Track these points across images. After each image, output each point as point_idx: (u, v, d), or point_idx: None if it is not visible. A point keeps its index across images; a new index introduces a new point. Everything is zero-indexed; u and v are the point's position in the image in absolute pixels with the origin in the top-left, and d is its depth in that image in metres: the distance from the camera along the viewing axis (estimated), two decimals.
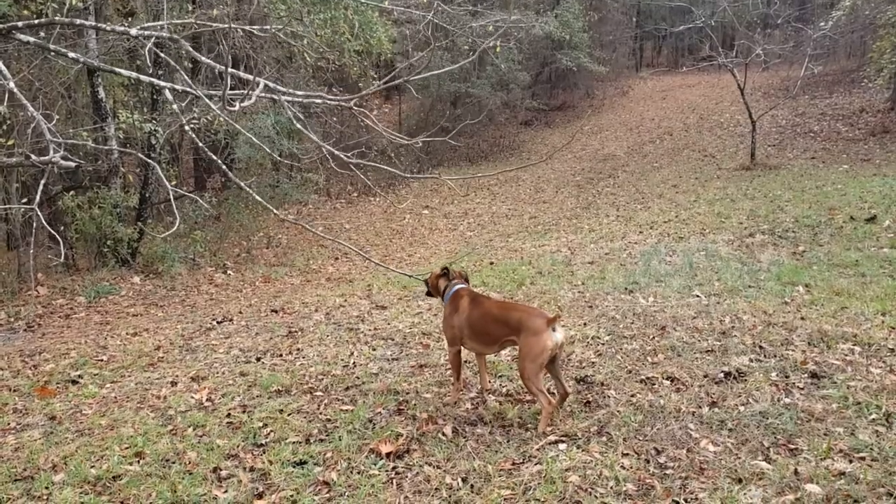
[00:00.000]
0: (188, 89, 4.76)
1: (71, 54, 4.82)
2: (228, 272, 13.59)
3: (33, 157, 4.08)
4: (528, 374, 4.43)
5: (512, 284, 8.75)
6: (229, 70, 4.95)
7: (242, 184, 4.97)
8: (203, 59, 4.87)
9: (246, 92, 4.48)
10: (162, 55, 5.42)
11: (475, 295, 4.97)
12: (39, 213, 3.97)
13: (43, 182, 4.18)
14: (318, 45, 14.60)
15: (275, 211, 5.49)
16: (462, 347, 5.03)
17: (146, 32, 5.23)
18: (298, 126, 4.43)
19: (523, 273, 9.53)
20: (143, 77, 4.98)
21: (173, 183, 12.97)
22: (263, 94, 4.50)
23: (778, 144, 19.85)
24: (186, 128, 5.59)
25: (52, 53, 10.13)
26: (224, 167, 5.37)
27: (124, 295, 11.30)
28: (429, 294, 5.42)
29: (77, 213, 12.12)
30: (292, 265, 14.40)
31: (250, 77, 4.21)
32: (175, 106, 4.55)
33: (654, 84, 32.22)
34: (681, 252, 9.57)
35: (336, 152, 4.97)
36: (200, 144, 5.28)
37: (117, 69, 5.62)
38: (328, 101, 5.15)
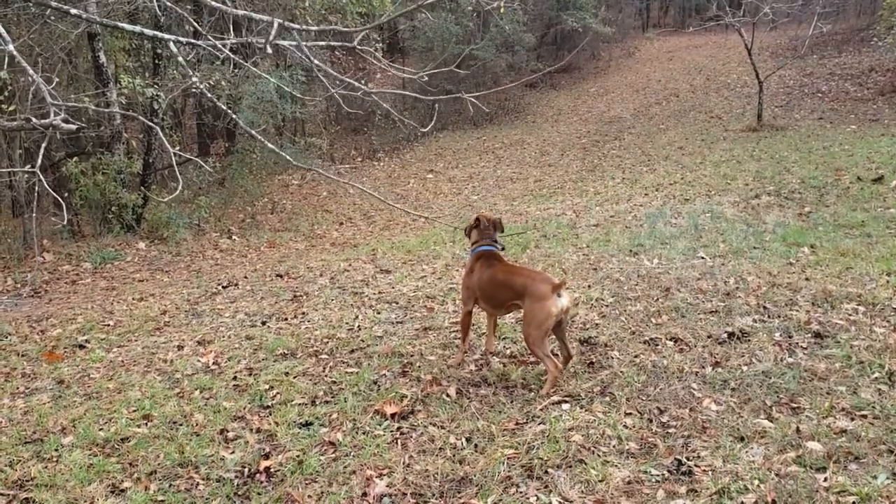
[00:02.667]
0: (194, 41, 4.69)
1: (73, 11, 4.75)
2: (233, 237, 13.62)
3: (34, 119, 4.06)
4: (534, 340, 4.43)
5: (517, 248, 8.74)
6: (235, 11, 4.86)
7: (255, 132, 4.90)
8: (210, 1, 4.76)
9: (249, 38, 4.41)
10: (170, 4, 5.31)
11: (491, 256, 4.95)
12: (42, 176, 3.96)
13: (44, 145, 4.15)
14: (319, 6, 14.44)
15: (289, 159, 5.44)
16: (475, 308, 5.07)
17: None
18: (315, 62, 4.33)
19: (528, 236, 9.52)
20: (147, 31, 4.90)
21: (176, 148, 12.93)
22: (278, 42, 4.40)
23: (785, 105, 19.63)
24: (196, 80, 5.49)
25: (52, 15, 10.03)
26: (235, 117, 5.30)
27: (130, 261, 11.34)
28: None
29: (81, 179, 12.12)
30: (297, 230, 14.41)
31: (267, 18, 4.11)
32: (181, 59, 4.48)
33: (660, 45, 31.81)
34: (686, 214, 9.53)
35: (356, 84, 4.88)
36: (209, 95, 5.21)
37: (121, 24, 5.52)
38: (332, 43, 5.09)
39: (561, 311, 4.42)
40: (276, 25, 3.91)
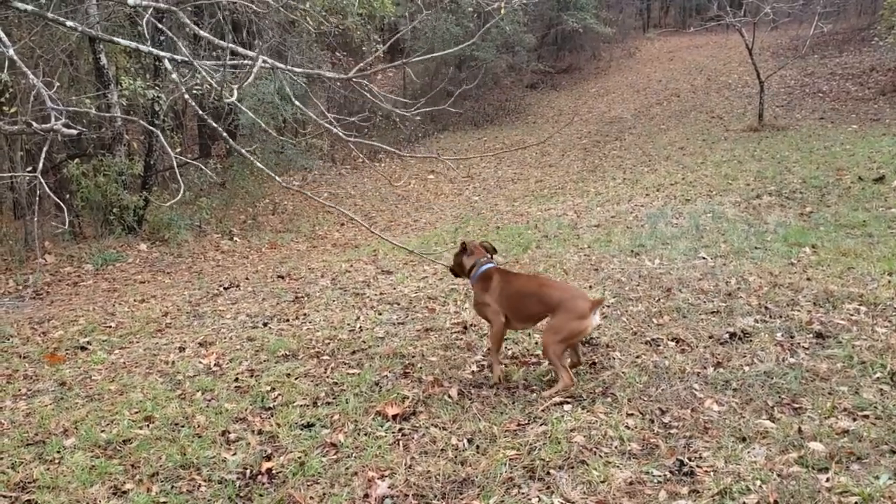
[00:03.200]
0: (187, 59, 4.71)
1: (69, 23, 4.76)
2: (234, 239, 13.62)
3: (35, 124, 4.06)
4: (555, 351, 4.38)
5: (518, 248, 8.74)
6: (230, 47, 4.89)
7: (244, 151, 4.92)
8: (203, 33, 4.80)
9: (247, 68, 4.44)
10: (161, 26, 5.36)
11: (506, 272, 4.86)
12: (42, 180, 3.97)
13: (45, 150, 4.17)
14: (320, 9, 14.43)
15: (278, 179, 5.44)
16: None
17: (144, 3, 5.15)
18: (298, 105, 4.42)
19: (529, 237, 9.52)
20: (142, 47, 4.93)
21: (177, 150, 12.95)
22: (265, 66, 4.47)
23: (786, 105, 19.62)
24: (186, 96, 5.54)
25: (50, 22, 10.04)
26: (226, 136, 5.34)
27: (131, 262, 11.35)
28: (454, 274, 5.17)
29: (82, 181, 12.12)
30: (298, 231, 14.41)
31: (251, 54, 4.18)
32: (175, 76, 4.51)
33: (661, 45, 31.81)
34: (687, 214, 9.52)
35: (336, 129, 4.93)
36: (202, 113, 5.24)
37: (116, 38, 5.54)
38: (325, 77, 5.09)
39: (594, 328, 4.43)
40: (259, 61, 3.98)
